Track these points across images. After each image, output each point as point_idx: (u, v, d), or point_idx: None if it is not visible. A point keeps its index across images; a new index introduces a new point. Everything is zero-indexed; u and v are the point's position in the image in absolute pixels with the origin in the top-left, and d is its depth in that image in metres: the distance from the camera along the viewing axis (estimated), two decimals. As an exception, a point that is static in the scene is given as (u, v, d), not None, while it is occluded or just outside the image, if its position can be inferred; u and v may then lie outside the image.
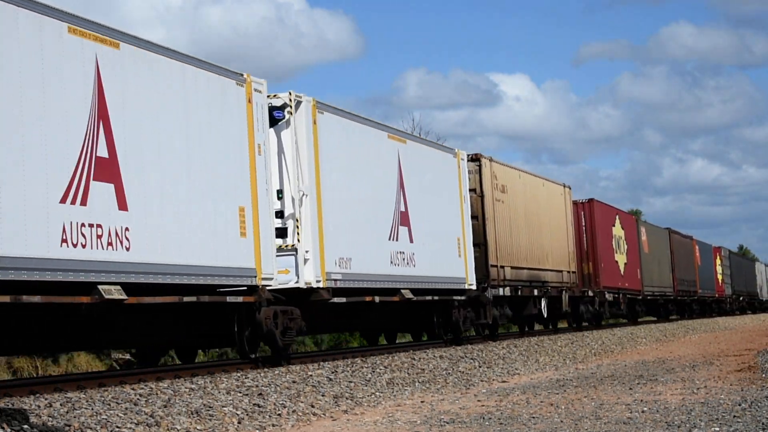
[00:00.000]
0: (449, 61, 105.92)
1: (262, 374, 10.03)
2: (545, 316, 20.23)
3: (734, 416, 7.48)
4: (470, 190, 17.04)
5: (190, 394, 8.73)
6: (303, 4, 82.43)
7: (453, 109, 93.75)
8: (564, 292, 21.69)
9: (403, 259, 14.29)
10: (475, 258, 16.66)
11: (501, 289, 17.72)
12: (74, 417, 7.48)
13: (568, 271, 23.12)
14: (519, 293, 18.42)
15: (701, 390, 9.56)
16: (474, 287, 15.89)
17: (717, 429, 6.92)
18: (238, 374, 10.09)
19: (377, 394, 10.34)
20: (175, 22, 63.90)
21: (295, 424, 8.37)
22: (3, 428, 6.92)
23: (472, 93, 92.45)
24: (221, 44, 63.64)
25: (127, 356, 15.98)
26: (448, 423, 8.18)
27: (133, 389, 8.67)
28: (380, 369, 11.72)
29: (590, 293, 23.91)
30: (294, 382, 9.91)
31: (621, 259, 29.47)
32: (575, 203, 25.19)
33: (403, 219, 14.27)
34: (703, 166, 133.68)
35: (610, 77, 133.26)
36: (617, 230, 29.52)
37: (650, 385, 10.46)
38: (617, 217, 29.44)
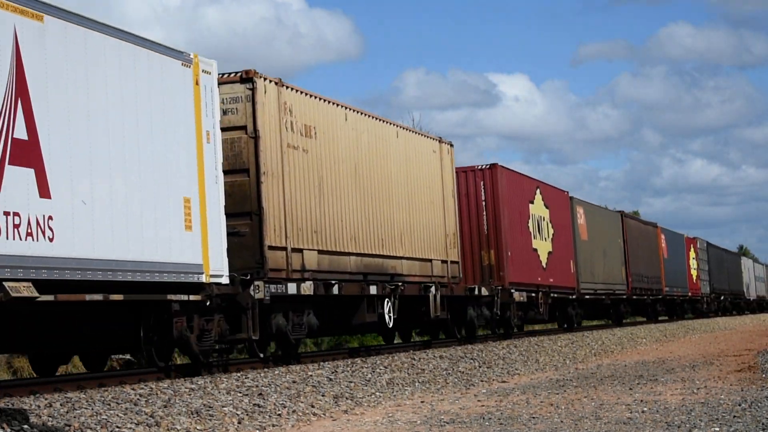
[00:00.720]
0: (448, 61, 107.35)
1: (262, 374, 12.34)
2: (390, 324, 16.79)
3: (734, 416, 8.95)
4: (235, 127, 13.66)
5: (190, 394, 10.22)
6: (302, 4, 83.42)
7: (452, 110, 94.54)
8: (434, 289, 18.50)
9: (16, 227, 9.24)
10: (242, 235, 13.25)
11: (295, 285, 14.00)
12: (74, 417, 8.67)
13: (445, 261, 19.59)
14: (339, 291, 15.23)
15: (701, 390, 11.83)
16: (225, 281, 12.16)
17: (717, 429, 8.25)
18: (238, 374, 12.27)
19: (377, 394, 12.37)
20: (174, 23, 63.92)
21: (295, 424, 9.95)
22: (3, 428, 8.13)
23: (471, 93, 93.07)
24: (220, 44, 63.45)
25: (128, 356, 15.60)
26: (448, 423, 9.53)
27: (133, 389, 10.30)
28: (380, 369, 14.22)
29: (485, 292, 21.04)
30: (294, 382, 12.31)
31: (543, 246, 25.36)
32: (471, 169, 22.42)
33: (20, 154, 9.37)
34: (702, 166, 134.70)
35: (609, 77, 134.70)
36: (537, 209, 25.32)
37: (650, 385, 12.85)
38: (538, 191, 25.68)
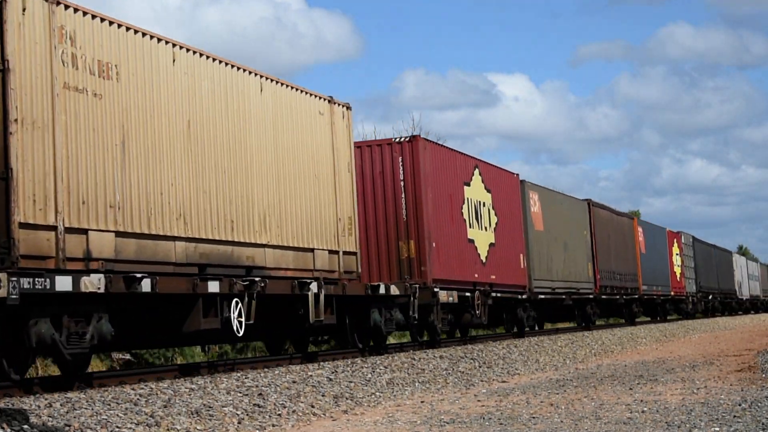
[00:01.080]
0: (447, 61, 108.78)
1: (262, 374, 12.60)
2: (241, 332, 12.99)
3: (734, 416, 9.11)
4: None
5: (190, 394, 10.42)
6: (301, 3, 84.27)
7: (451, 110, 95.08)
8: (315, 287, 14.79)
9: None
10: None
11: (69, 279, 10.54)
12: (74, 417, 8.83)
13: (335, 251, 15.89)
14: (152, 288, 11.53)
15: (701, 390, 12.13)
16: None
17: (717, 429, 8.41)
18: (238, 374, 12.53)
19: (377, 394, 12.54)
20: (173, 22, 64.40)
21: (295, 424, 10.14)
22: (3, 428, 8.43)
23: (471, 93, 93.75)
24: (219, 44, 63.90)
25: (128, 356, 15.68)
26: (448, 423, 9.68)
27: (133, 389, 10.55)
28: (380, 369, 14.32)
29: (395, 290, 17.53)
30: (294, 382, 12.58)
31: (482, 237, 21.87)
32: (388, 143, 19.03)
33: None
34: (702, 166, 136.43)
35: (608, 77, 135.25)
36: (475, 192, 21.74)
37: (650, 385, 13.14)
38: (476, 171, 22.04)
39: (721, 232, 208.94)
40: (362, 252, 17.41)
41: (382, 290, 16.57)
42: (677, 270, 41.85)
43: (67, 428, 8.06)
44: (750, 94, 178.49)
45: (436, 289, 18.39)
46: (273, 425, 9.67)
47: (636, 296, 35.05)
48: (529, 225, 24.70)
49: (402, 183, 17.99)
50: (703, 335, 29.46)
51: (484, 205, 21.55)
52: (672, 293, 40.67)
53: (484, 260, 21.09)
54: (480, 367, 16.19)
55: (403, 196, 17.96)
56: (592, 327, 30.22)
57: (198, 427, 8.89)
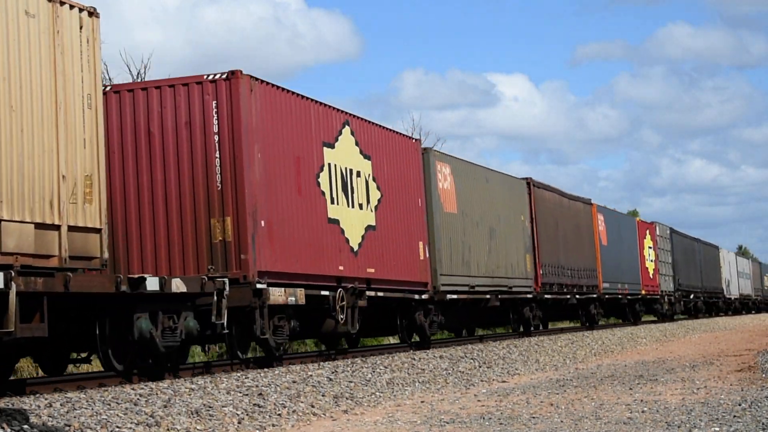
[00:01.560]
0: (447, 61, 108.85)
1: (262, 374, 12.64)
2: None
3: (734, 416, 9.15)
4: None
5: (190, 394, 10.39)
6: (301, 3, 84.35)
7: (451, 110, 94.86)
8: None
9: None
10: None
11: None
12: (74, 417, 8.86)
13: (53, 226, 10.35)
14: None
15: (701, 390, 12.17)
16: None
17: (717, 429, 8.43)
18: (238, 374, 12.59)
19: (377, 394, 12.55)
20: (172, 23, 63.73)
21: (295, 424, 10.17)
22: (3, 428, 8.44)
23: (470, 93, 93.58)
24: (218, 45, 63.29)
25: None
26: (448, 423, 9.74)
27: (133, 389, 10.55)
28: (380, 369, 14.38)
29: (180, 287, 12.13)
30: (294, 382, 12.60)
31: (354, 218, 16.82)
32: (197, 81, 14.06)
33: None
34: (701, 166, 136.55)
35: (607, 78, 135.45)
36: (343, 157, 16.74)
37: (650, 385, 13.17)
38: (346, 129, 16.90)
39: (721, 232, 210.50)
40: (160, 234, 13.10)
41: (151, 286, 11.35)
42: (650, 266, 36.71)
43: (67, 428, 8.07)
44: (750, 94, 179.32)
45: (261, 286, 13.51)
46: (273, 425, 9.71)
47: (594, 295, 29.65)
48: (435, 205, 19.49)
49: (216, 138, 13.31)
50: (703, 335, 29.76)
51: (358, 174, 16.60)
52: (643, 292, 35.60)
53: (355, 248, 16.17)
54: (480, 367, 16.38)
55: (217, 155, 13.29)
56: (533, 333, 25.48)
57: (198, 427, 8.91)
